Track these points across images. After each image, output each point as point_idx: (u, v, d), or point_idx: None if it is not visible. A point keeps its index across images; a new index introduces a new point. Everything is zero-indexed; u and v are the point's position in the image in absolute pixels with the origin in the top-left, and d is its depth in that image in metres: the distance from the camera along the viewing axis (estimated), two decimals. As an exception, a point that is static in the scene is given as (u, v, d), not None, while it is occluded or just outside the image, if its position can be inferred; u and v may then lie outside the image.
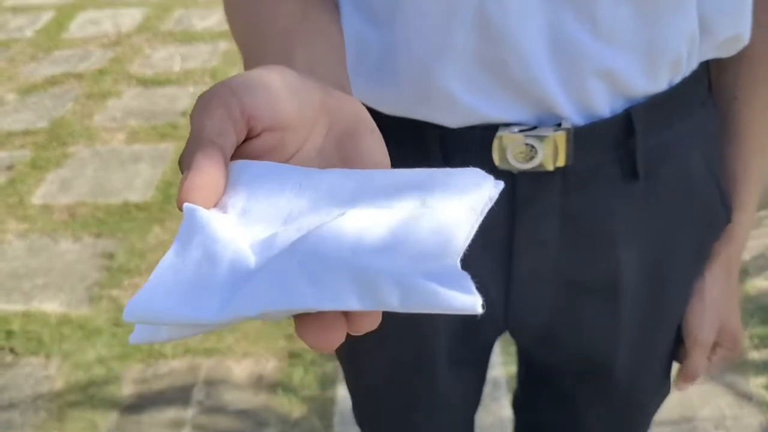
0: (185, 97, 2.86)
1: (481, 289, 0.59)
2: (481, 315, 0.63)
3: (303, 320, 0.24)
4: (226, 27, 3.50)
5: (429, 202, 0.26)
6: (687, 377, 0.68)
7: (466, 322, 0.63)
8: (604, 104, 0.51)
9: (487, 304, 0.60)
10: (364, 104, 0.35)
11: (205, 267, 0.24)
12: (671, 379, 0.70)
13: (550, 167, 0.52)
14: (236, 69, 3.05)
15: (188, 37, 3.42)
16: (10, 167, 2.43)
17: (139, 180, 2.35)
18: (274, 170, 0.29)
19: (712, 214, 0.61)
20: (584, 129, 0.51)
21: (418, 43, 0.49)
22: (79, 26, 3.60)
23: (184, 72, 3.07)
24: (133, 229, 2.12)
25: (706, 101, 0.59)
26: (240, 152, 0.30)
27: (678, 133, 0.56)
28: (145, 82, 2.99)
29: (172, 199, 2.24)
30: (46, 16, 3.73)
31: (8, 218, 2.18)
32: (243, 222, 0.26)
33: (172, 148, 2.51)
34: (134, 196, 2.27)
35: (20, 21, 3.68)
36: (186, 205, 0.25)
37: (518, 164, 0.52)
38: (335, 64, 0.42)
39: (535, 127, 0.51)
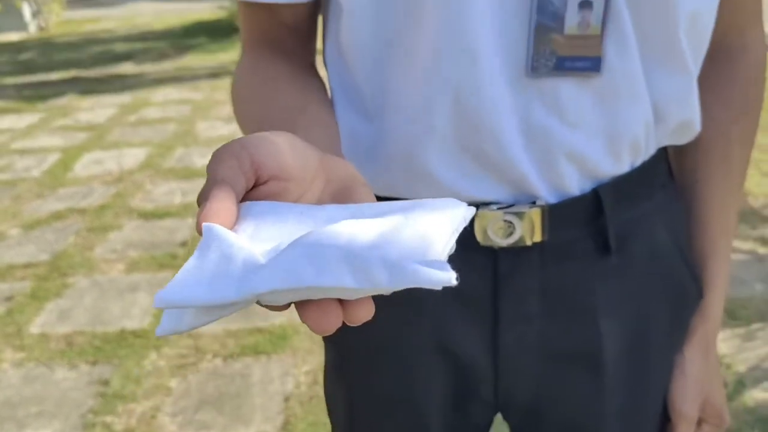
0: (185, 229, 2.94)
1: (471, 363, 0.62)
2: (472, 392, 0.65)
3: (305, 306, 0.29)
4: (225, 163, 3.67)
5: (412, 217, 0.31)
6: (675, 453, 0.69)
7: (457, 395, 0.65)
8: (574, 184, 0.57)
9: (476, 380, 0.63)
10: None
11: (222, 264, 0.28)
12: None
13: (528, 242, 0.57)
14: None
15: (189, 174, 3.57)
16: (9, 298, 2.46)
17: (137, 308, 2.37)
18: (278, 206, 0.34)
19: (683, 289, 0.65)
20: (557, 206, 0.57)
21: (403, 131, 0.56)
22: (83, 166, 3.76)
23: (184, 205, 3.18)
24: (129, 356, 2.12)
25: (667, 184, 0.65)
26: (249, 196, 0.35)
27: (643, 211, 0.61)
28: (146, 215, 3.09)
29: (169, 326, 2.26)
30: (52, 158, 3.90)
31: (5, 347, 2.18)
32: (253, 241, 0.31)
33: (170, 277, 2.55)
34: (131, 324, 2.28)
35: (27, 162, 3.85)
36: (204, 224, 0.30)
37: (499, 240, 0.57)
38: (331, 145, 0.48)
39: (512, 205, 0.57)
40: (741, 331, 2.09)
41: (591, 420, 0.65)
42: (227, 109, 4.75)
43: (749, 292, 2.28)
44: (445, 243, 0.29)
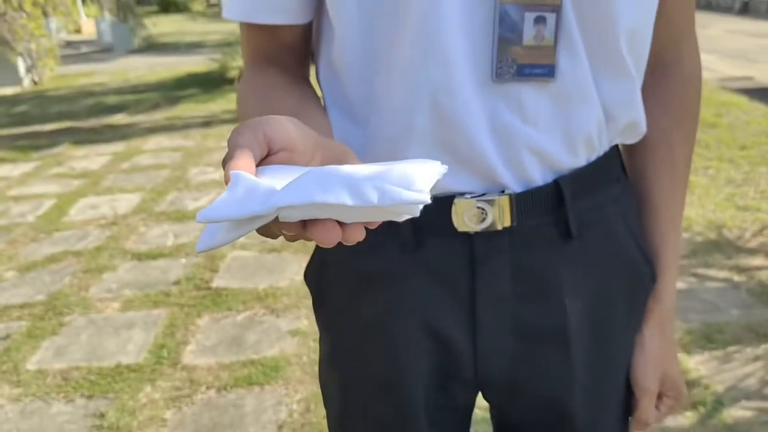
0: (178, 268, 3.01)
1: (453, 343, 0.69)
2: (455, 372, 0.73)
3: (313, 224, 0.37)
4: (217, 206, 3.75)
5: (399, 164, 0.39)
6: (639, 425, 0.77)
7: (442, 375, 0.72)
8: (537, 175, 0.66)
9: (458, 359, 0.71)
10: None
11: (248, 193, 0.37)
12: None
13: (499, 227, 0.66)
14: (227, 242, 3.23)
15: (181, 216, 3.65)
16: (5, 337, 2.50)
17: (132, 344, 2.42)
18: (288, 167, 0.42)
19: (638, 271, 0.74)
20: (523, 195, 0.66)
21: (388, 131, 0.65)
22: (78, 211, 3.84)
23: (177, 246, 3.25)
24: (124, 389, 2.16)
25: (621, 178, 0.74)
26: (263, 163, 0.44)
27: (600, 201, 0.70)
28: (140, 257, 3.16)
29: (164, 360, 2.31)
30: (48, 204, 3.98)
31: (2, 384, 2.21)
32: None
33: (165, 314, 2.61)
34: (127, 359, 2.33)
35: (22, 208, 3.92)
36: (233, 171, 0.39)
37: (473, 225, 0.66)
38: (326, 136, 0.57)
39: (484, 194, 0.66)
40: (718, 353, 2.16)
41: (562, 393, 0.72)
42: (218, 155, 4.86)
43: (725, 317, 2.37)
44: (424, 183, 0.38)
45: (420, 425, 0.74)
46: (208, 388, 2.16)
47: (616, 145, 0.73)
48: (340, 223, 0.38)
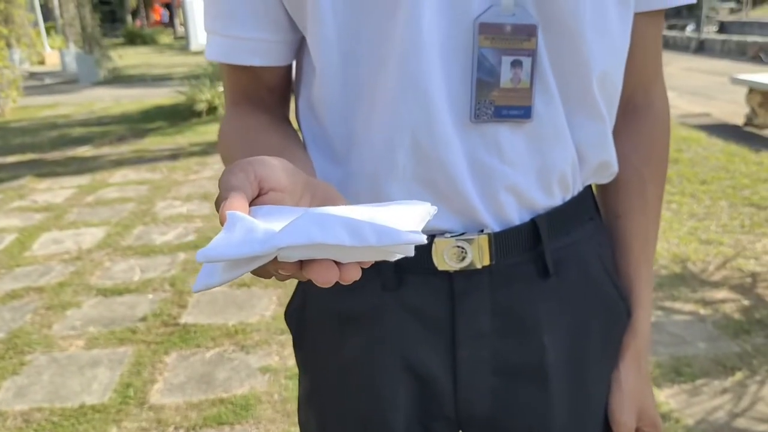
0: (144, 304, 2.95)
1: (433, 380, 0.69)
2: (436, 410, 0.73)
3: (310, 264, 0.37)
4: (185, 240, 3.71)
5: (391, 207, 0.40)
6: (618, 460, 0.77)
7: (422, 414, 0.72)
8: (514, 214, 0.67)
9: (439, 397, 0.71)
10: None
11: (247, 233, 0.37)
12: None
13: (479, 265, 0.66)
14: (195, 277, 3.19)
15: (148, 251, 3.59)
16: (-37, 377, 2.41)
17: (97, 383, 2.36)
18: (281, 207, 0.43)
19: (613, 307, 0.75)
20: (501, 234, 0.67)
21: (370, 169, 0.65)
22: (41, 245, 3.75)
23: (144, 281, 3.20)
24: (89, 431, 2.10)
25: (594, 216, 0.76)
26: (253, 204, 0.44)
27: (575, 239, 0.72)
28: (105, 292, 3.09)
29: (130, 400, 2.25)
30: (9, 238, 3.89)
31: (-41, 426, 2.13)
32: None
33: (131, 352, 2.56)
34: (91, 399, 2.26)
35: (-17, 243, 3.82)
36: (228, 212, 0.39)
37: (453, 264, 0.66)
38: (310, 175, 0.58)
39: (463, 233, 0.66)
40: (687, 387, 2.19)
41: (542, 429, 0.73)
42: (186, 189, 4.82)
43: (693, 350, 2.40)
44: (416, 224, 0.39)
45: None
46: (176, 428, 2.10)
47: (590, 185, 0.75)
48: (337, 263, 0.38)
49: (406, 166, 0.64)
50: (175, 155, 5.93)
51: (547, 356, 0.70)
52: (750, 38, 12.95)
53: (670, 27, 18.19)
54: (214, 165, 5.51)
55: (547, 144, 0.66)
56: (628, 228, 0.78)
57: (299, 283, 0.76)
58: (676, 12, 20.78)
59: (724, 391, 2.16)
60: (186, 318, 2.81)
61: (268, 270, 0.40)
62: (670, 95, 8.01)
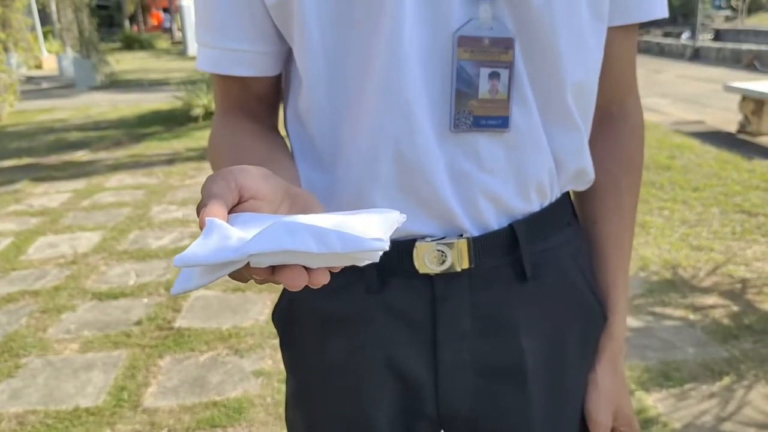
0: (139, 308, 2.97)
1: (416, 380, 0.72)
2: (418, 409, 0.75)
3: (281, 269, 0.40)
4: (180, 244, 3.73)
5: (360, 215, 0.43)
6: (595, 459, 0.80)
7: (405, 413, 0.75)
8: (493, 219, 0.70)
9: (421, 396, 0.74)
10: None
11: (222, 240, 0.39)
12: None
13: (458, 269, 0.69)
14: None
15: (143, 255, 3.61)
16: (-42, 380, 2.43)
17: (91, 386, 2.38)
18: (258, 215, 0.45)
19: (589, 310, 0.77)
20: (480, 238, 0.69)
21: (354, 178, 0.68)
22: (37, 249, 3.77)
23: (139, 286, 3.21)
24: (82, 433, 2.11)
25: (572, 222, 0.78)
26: (234, 211, 0.47)
27: (553, 244, 0.74)
28: (100, 296, 3.11)
29: (124, 403, 2.27)
30: (5, 242, 3.90)
31: (-47, 428, 2.15)
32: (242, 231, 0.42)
33: (126, 355, 2.57)
34: (85, 402, 2.28)
35: (-21, 247, 3.83)
36: (207, 218, 0.41)
37: (434, 267, 0.69)
38: (293, 183, 0.60)
39: (443, 238, 0.69)
40: (675, 391, 2.21)
41: (521, 428, 0.75)
42: (181, 193, 4.84)
43: (682, 355, 2.43)
44: (384, 231, 0.41)
45: None
46: (169, 431, 2.12)
47: (568, 192, 0.78)
48: (307, 268, 0.41)
49: (388, 174, 0.67)
50: (171, 160, 5.96)
51: (526, 358, 0.73)
52: (745, 46, 13.04)
53: (666, 35, 18.28)
54: (210, 170, 5.52)
55: (525, 152, 0.68)
56: (605, 234, 0.80)
57: None
58: (672, 19, 20.90)
59: (712, 395, 2.19)
60: (180, 322, 2.83)
61: (243, 275, 0.42)
62: (664, 102, 8.02)
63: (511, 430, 0.75)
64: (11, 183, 5.34)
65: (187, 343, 2.64)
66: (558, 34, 0.65)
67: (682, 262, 3.26)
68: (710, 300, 2.86)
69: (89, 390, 2.35)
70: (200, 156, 6.03)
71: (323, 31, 0.64)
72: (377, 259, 0.42)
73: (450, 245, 0.68)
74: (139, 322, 2.84)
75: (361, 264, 0.42)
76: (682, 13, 20.81)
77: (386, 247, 0.39)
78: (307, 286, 0.42)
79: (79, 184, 5.26)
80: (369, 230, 0.40)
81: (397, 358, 0.73)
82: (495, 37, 0.64)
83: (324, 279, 0.41)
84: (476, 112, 0.65)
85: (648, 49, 15.76)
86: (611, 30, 0.72)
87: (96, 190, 5.06)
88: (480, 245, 0.69)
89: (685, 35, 16.96)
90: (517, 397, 0.74)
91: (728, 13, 21.57)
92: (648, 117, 7.06)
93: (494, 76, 0.65)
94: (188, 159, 5.98)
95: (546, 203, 0.73)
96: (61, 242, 3.88)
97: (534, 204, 0.71)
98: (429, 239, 0.69)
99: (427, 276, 0.70)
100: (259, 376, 2.40)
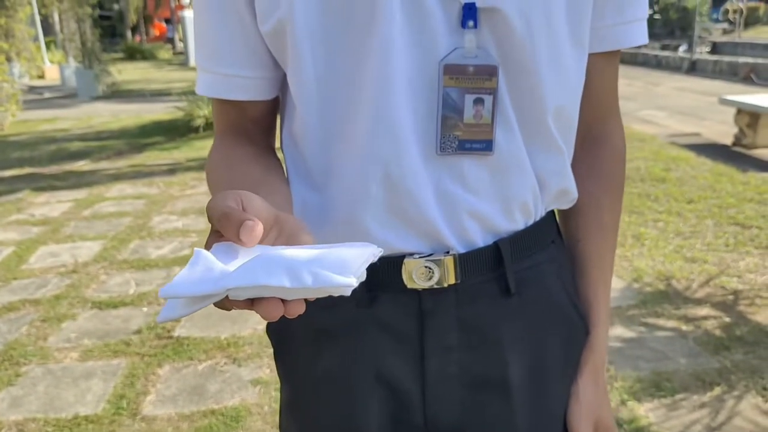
0: (139, 317, 3.00)
1: (404, 391, 0.76)
2: (406, 419, 0.79)
3: (258, 301, 0.45)
4: (180, 254, 3.77)
5: (336, 249, 0.47)
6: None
7: (394, 422, 0.78)
8: (478, 237, 0.73)
9: (408, 407, 0.78)
10: None
11: (206, 272, 0.44)
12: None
13: (445, 284, 0.73)
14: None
15: (143, 265, 3.65)
16: (-41, 388, 2.46)
17: (91, 394, 2.41)
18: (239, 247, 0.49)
19: (572, 325, 0.81)
20: (466, 255, 0.73)
21: (345, 199, 0.72)
22: (38, 258, 3.81)
23: (138, 295, 3.25)
24: (82, 441, 2.14)
25: (556, 240, 0.82)
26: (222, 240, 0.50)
27: (536, 261, 0.78)
28: (100, 305, 3.14)
29: (123, 411, 2.30)
30: (6, 251, 3.94)
31: (-45, 435, 2.17)
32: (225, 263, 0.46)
33: (125, 364, 2.61)
34: (85, 410, 2.31)
35: (-20, 256, 3.87)
36: (196, 249, 0.46)
37: (421, 282, 0.73)
38: (284, 207, 0.64)
39: (431, 254, 0.73)
40: (667, 401, 2.25)
41: None
42: (182, 204, 4.88)
43: (674, 366, 2.46)
44: (358, 266, 0.45)
45: None
46: (167, 438, 2.15)
47: (552, 211, 0.81)
48: (284, 299, 0.45)
49: (377, 195, 0.70)
50: (172, 170, 6.00)
51: (510, 370, 0.76)
52: (742, 59, 13.12)
53: (663, 47, 18.37)
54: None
55: (509, 174, 0.72)
56: (587, 252, 0.84)
57: None
58: (669, 32, 21.00)
59: (703, 405, 2.22)
60: (179, 331, 2.86)
61: (225, 304, 0.47)
62: (661, 114, 8.07)
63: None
64: (13, 192, 5.38)
65: (186, 352, 2.68)
66: (539, 62, 0.69)
67: (675, 273, 3.30)
68: (703, 311, 2.89)
69: (89, 398, 2.38)
70: (201, 166, 6.07)
71: (315, 58, 0.68)
72: (348, 293, 0.46)
73: (437, 262, 0.72)
74: (138, 331, 2.87)
75: (336, 294, 0.46)
76: (680, 26, 20.94)
77: (354, 284, 0.44)
78: None
79: (81, 193, 5.30)
80: (341, 266, 0.44)
81: (387, 369, 0.76)
82: (479, 65, 0.67)
83: (299, 309, 0.45)
84: (462, 136, 0.69)
85: (646, 62, 15.85)
86: (593, 56, 0.76)
87: (97, 199, 5.10)
88: (466, 262, 0.73)
89: (683, 48, 17.06)
90: (502, 409, 0.77)
91: (726, 26, 21.69)
92: (644, 129, 7.12)
93: (479, 101, 0.69)
94: (189, 169, 6.02)
95: (530, 222, 0.77)
96: (62, 251, 3.91)
97: (518, 223, 0.75)
98: (417, 256, 0.72)
99: (415, 291, 0.73)
100: (257, 384, 2.43)
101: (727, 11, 20.94)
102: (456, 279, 0.73)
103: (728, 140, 6.33)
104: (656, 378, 2.37)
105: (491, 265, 0.75)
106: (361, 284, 0.74)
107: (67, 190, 5.44)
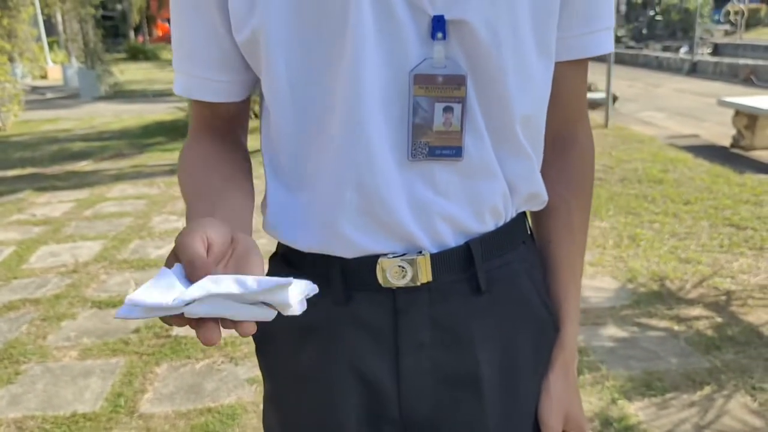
0: (138, 316, 3.04)
1: (380, 386, 0.79)
2: (382, 413, 0.82)
3: (199, 325, 0.50)
4: (179, 255, 3.80)
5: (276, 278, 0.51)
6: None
7: (371, 416, 0.81)
8: (450, 239, 0.77)
9: (385, 401, 0.81)
10: (287, 245, 0.66)
11: (167, 288, 0.49)
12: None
13: (418, 282, 0.76)
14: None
15: (143, 264, 3.69)
16: (-40, 386, 2.50)
17: (89, 393, 2.44)
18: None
19: (541, 322, 0.84)
20: (438, 255, 0.76)
21: (321, 203, 0.75)
22: (38, 258, 3.85)
23: (138, 295, 3.28)
24: (80, 438, 2.18)
25: (527, 240, 0.85)
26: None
27: (507, 261, 0.81)
28: (100, 304, 3.18)
29: (120, 409, 2.34)
30: (7, 251, 3.98)
31: (-45, 432, 2.21)
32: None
33: (123, 362, 2.64)
34: (83, 408, 2.35)
35: (-18, 255, 3.91)
36: (163, 267, 0.51)
37: (395, 281, 0.76)
38: (239, 222, 0.69)
39: (404, 254, 0.76)
40: (657, 400, 2.28)
41: None
42: (182, 204, 4.90)
43: (665, 365, 2.49)
44: (297, 293, 0.52)
45: None
46: (163, 436, 2.19)
47: (524, 212, 0.85)
48: (236, 322, 0.51)
49: (352, 201, 0.73)
50: (173, 170, 6.04)
51: (481, 366, 0.79)
52: (742, 60, 13.13)
53: (664, 49, 18.38)
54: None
55: (478, 179, 0.75)
56: (557, 252, 0.87)
57: None
58: (671, 34, 20.99)
59: (692, 404, 2.25)
60: (177, 330, 2.89)
61: (170, 320, 0.51)
62: (660, 116, 8.09)
63: (468, 433, 0.82)
64: (14, 192, 5.42)
65: (184, 351, 2.71)
66: (506, 72, 0.72)
67: (669, 274, 3.33)
68: (695, 311, 2.92)
69: (87, 396, 2.42)
70: (201, 167, 6.10)
71: (289, 67, 0.71)
72: (286, 313, 0.52)
73: (410, 261, 0.75)
74: (137, 330, 2.90)
75: (286, 313, 0.52)
76: (682, 28, 20.93)
77: (292, 281, 0.50)
78: None
79: (82, 193, 5.34)
80: (281, 280, 0.50)
81: (363, 365, 0.79)
82: (448, 75, 0.70)
83: (251, 329, 0.51)
84: (432, 143, 0.72)
85: (647, 63, 15.86)
86: (561, 64, 0.79)
87: (98, 199, 5.14)
88: (438, 261, 0.76)
89: (684, 49, 17.06)
90: (473, 404, 0.80)
91: (727, 27, 21.69)
92: (644, 130, 7.14)
93: (448, 110, 0.72)
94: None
95: (501, 223, 0.80)
96: (62, 251, 3.95)
97: (489, 224, 0.78)
98: (391, 255, 0.76)
99: (389, 290, 0.77)
100: (253, 383, 2.46)
101: (728, 13, 20.95)
102: (428, 278, 0.76)
103: (726, 142, 6.35)
104: (647, 377, 2.40)
105: (463, 265, 0.78)
106: (337, 283, 0.78)
107: (69, 190, 5.48)
